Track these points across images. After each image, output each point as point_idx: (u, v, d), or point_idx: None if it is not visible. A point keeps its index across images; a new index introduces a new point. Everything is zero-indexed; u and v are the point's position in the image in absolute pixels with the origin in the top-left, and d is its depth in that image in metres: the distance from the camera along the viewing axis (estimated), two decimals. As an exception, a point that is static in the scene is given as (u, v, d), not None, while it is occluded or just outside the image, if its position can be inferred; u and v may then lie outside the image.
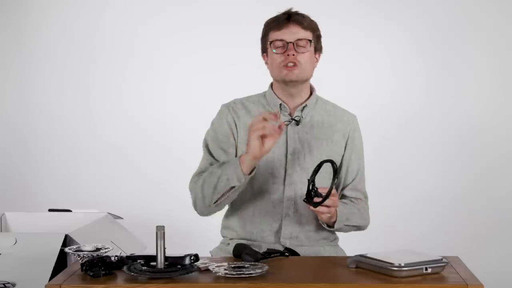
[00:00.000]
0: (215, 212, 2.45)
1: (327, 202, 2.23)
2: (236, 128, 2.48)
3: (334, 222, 2.38)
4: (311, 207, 2.25)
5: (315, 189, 2.23)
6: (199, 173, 2.46)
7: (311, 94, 2.51)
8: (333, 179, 2.21)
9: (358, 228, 2.51)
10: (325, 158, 2.32)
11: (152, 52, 4.22)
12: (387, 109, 4.14)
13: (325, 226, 2.43)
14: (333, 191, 2.25)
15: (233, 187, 2.32)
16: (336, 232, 2.57)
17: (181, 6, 4.20)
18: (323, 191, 2.23)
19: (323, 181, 2.35)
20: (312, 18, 2.48)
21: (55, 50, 4.26)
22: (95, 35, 4.24)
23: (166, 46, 4.21)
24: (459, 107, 4.13)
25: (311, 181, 2.24)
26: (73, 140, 4.27)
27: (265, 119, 2.22)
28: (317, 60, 2.49)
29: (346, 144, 2.51)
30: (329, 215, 2.30)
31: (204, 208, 2.42)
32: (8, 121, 4.30)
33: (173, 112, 4.20)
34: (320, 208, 2.24)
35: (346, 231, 2.48)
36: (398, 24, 4.13)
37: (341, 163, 2.51)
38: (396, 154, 4.15)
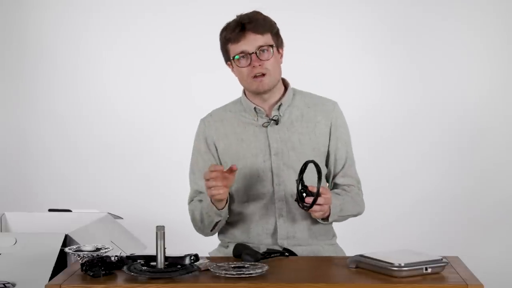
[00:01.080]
0: (215, 233, 2.54)
1: (319, 200, 2.23)
2: (214, 143, 2.50)
3: (328, 215, 2.38)
4: (304, 210, 2.26)
5: (305, 188, 2.24)
6: (190, 199, 2.53)
7: (286, 89, 2.50)
8: (318, 180, 2.21)
9: (354, 215, 2.51)
10: (310, 152, 2.37)
11: (151, 52, 4.22)
12: (386, 109, 4.14)
13: (320, 220, 2.42)
14: (325, 189, 2.26)
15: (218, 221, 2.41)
16: (334, 229, 2.57)
17: (180, 6, 4.19)
18: (313, 189, 2.23)
19: (310, 180, 2.33)
20: (265, 15, 2.44)
21: (54, 50, 4.25)
22: (94, 35, 4.23)
23: (165, 46, 4.20)
24: (459, 106, 4.12)
25: (299, 181, 2.24)
26: (73, 140, 4.26)
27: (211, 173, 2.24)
28: (282, 55, 2.47)
29: (330, 133, 2.49)
30: (322, 212, 2.30)
31: (203, 234, 2.52)
32: (8, 121, 4.29)
33: (173, 112, 4.20)
34: (313, 207, 2.24)
35: (341, 220, 2.47)
36: (396, 22, 4.12)
37: (328, 152, 2.50)
38: (396, 154, 4.14)
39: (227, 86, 3.89)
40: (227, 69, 4.20)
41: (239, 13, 2.44)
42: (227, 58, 2.48)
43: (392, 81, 4.16)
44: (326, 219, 2.40)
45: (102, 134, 4.24)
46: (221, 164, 2.49)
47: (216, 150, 2.50)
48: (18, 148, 4.29)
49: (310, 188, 2.23)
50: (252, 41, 2.38)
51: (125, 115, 4.23)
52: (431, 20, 4.12)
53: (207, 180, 2.25)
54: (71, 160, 4.26)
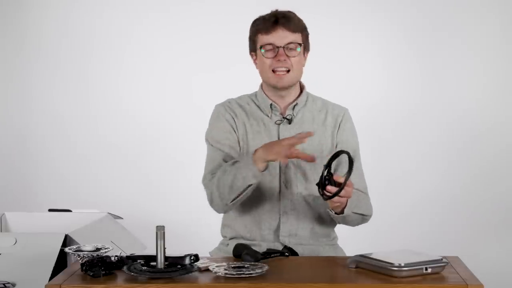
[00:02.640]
0: (231, 209, 2.47)
1: (341, 192, 2.20)
2: (236, 124, 2.49)
3: (344, 207, 2.35)
4: (323, 198, 2.22)
5: (330, 175, 2.20)
6: (213, 170, 2.45)
7: (301, 91, 2.52)
8: (349, 171, 2.17)
9: (363, 217, 2.46)
10: (318, 153, 2.38)
11: (152, 52, 4.22)
12: (387, 109, 4.14)
13: (332, 213, 2.37)
14: (350, 182, 2.23)
15: (250, 185, 2.32)
16: (336, 231, 2.57)
17: (181, 5, 4.19)
18: (338, 179, 2.19)
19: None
20: (299, 17, 2.45)
21: (55, 50, 4.25)
22: (95, 35, 4.24)
23: (166, 46, 4.21)
24: (459, 106, 4.12)
25: (326, 167, 2.21)
26: (73, 140, 4.26)
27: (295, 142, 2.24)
28: (305, 59, 2.49)
29: (336, 137, 2.51)
30: (339, 204, 2.27)
31: (221, 206, 2.42)
32: (8, 121, 4.30)
33: (173, 112, 4.20)
34: (333, 198, 2.21)
35: (352, 219, 2.41)
36: (397, 23, 4.13)
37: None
38: (396, 154, 4.15)
39: (228, 86, 3.90)
40: (228, 70, 4.21)
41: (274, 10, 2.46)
42: (253, 48, 2.48)
43: (392, 82, 4.16)
44: (341, 211, 2.36)
45: (102, 134, 4.24)
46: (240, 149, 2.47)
47: (235, 132, 2.48)
48: (18, 148, 4.29)
49: (335, 178, 2.20)
50: (282, 36, 2.40)
51: (126, 115, 4.24)
52: (431, 21, 4.12)
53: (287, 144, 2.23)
54: (71, 160, 4.26)
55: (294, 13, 2.45)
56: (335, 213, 2.37)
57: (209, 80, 4.16)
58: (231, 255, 2.31)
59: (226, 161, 2.44)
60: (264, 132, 2.48)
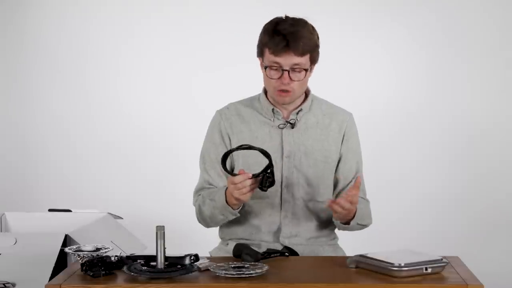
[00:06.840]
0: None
1: (344, 201, 2.25)
2: (229, 136, 2.50)
3: (350, 219, 2.39)
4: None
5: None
6: (198, 191, 2.52)
7: (306, 96, 2.51)
8: (269, 172, 2.24)
9: (364, 226, 2.50)
10: (321, 158, 2.40)
11: (152, 52, 4.22)
12: (387, 109, 4.14)
13: (336, 222, 2.44)
14: (353, 193, 2.29)
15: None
16: (336, 232, 2.58)
17: (181, 5, 4.19)
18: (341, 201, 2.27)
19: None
20: (313, 30, 2.42)
21: (54, 50, 4.25)
22: (94, 35, 4.23)
23: (166, 45, 4.20)
24: (459, 106, 4.12)
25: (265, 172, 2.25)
26: (73, 140, 4.26)
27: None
28: (312, 70, 2.46)
29: (342, 143, 2.50)
30: (340, 214, 2.30)
31: (206, 226, 2.54)
32: (8, 121, 4.29)
33: (173, 112, 4.20)
34: (334, 206, 2.26)
35: (354, 229, 2.46)
36: (398, 23, 4.13)
37: (338, 161, 2.51)
38: (396, 153, 4.15)
39: (227, 86, 3.91)
40: (228, 69, 4.21)
41: (288, 14, 2.42)
42: (260, 55, 2.44)
43: (393, 81, 4.16)
44: (347, 222, 2.41)
45: (102, 134, 4.24)
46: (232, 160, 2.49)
47: (230, 143, 2.49)
48: (18, 148, 4.29)
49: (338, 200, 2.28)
50: (289, 60, 2.37)
51: (125, 115, 4.23)
52: (434, 19, 4.12)
53: (236, 185, 2.26)
54: (71, 160, 4.26)
55: (306, 30, 2.39)
56: (342, 222, 2.42)
57: (209, 80, 4.16)
58: (231, 255, 2.31)
59: (209, 184, 2.49)
60: (266, 136, 2.47)
